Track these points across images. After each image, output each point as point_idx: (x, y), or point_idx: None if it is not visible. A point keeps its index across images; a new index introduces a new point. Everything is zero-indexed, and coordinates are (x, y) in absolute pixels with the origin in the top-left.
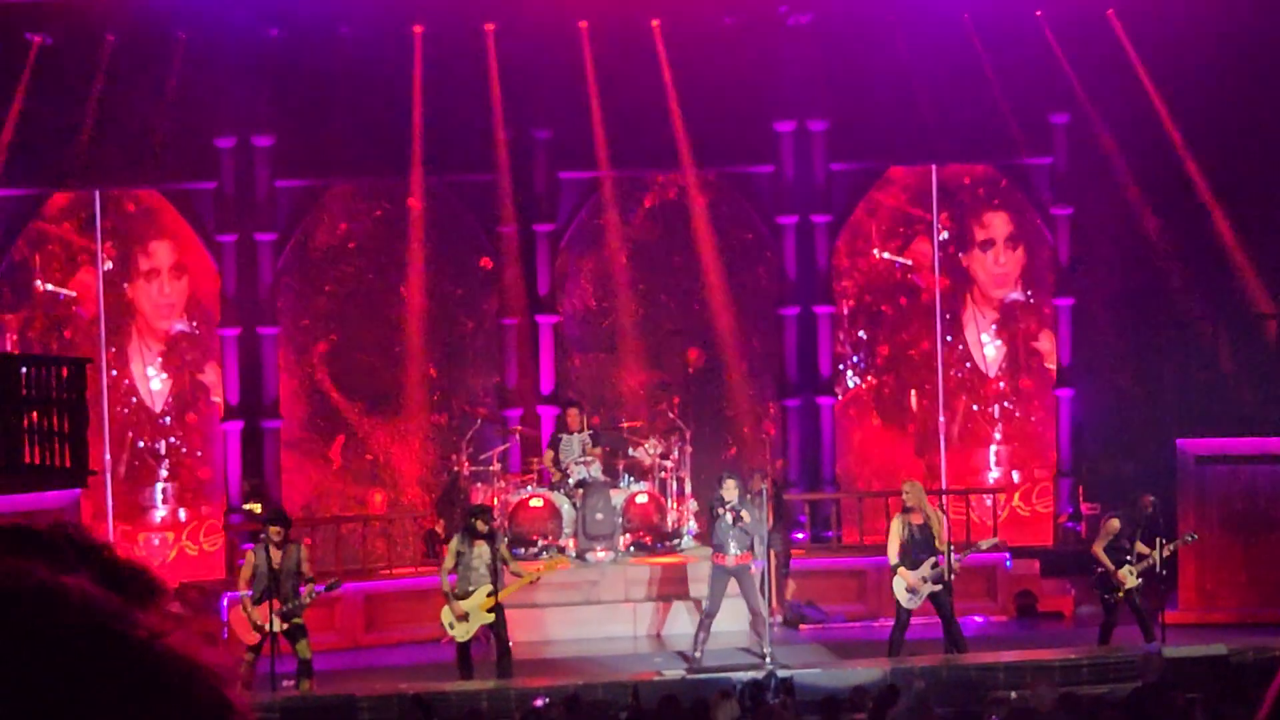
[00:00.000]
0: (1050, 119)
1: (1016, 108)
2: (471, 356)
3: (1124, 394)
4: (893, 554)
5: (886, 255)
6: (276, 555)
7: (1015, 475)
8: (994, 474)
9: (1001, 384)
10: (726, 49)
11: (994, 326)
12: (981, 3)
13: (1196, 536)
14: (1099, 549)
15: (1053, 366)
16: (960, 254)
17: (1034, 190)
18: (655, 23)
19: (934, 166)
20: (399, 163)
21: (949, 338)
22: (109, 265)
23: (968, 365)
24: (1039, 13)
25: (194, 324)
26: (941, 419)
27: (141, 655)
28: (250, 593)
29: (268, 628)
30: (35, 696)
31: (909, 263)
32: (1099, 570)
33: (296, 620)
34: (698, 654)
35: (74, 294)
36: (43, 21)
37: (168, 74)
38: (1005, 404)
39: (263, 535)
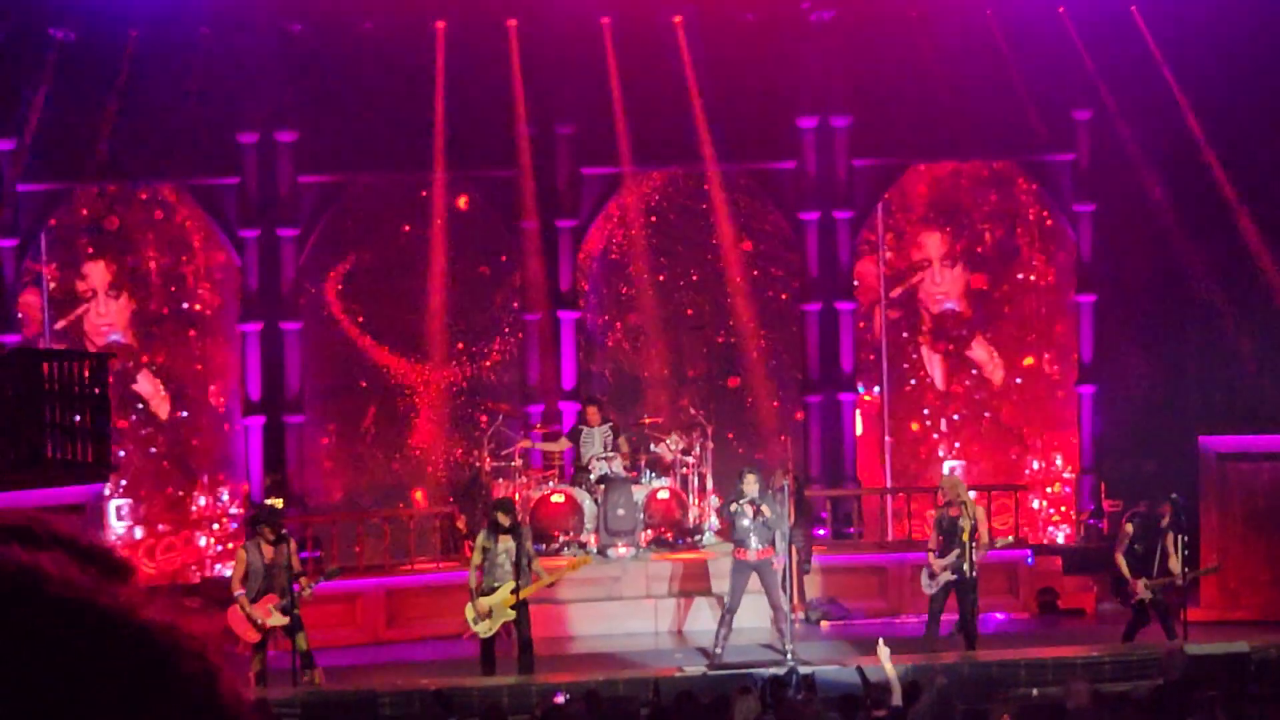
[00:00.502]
0: (1073, 115)
1: (1039, 104)
2: (493, 352)
3: (1146, 391)
4: (931, 543)
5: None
6: (269, 552)
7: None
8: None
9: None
10: (749, 45)
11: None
12: None
13: (1220, 567)
14: (1119, 555)
15: (990, 376)
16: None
17: (1056, 187)
18: (678, 19)
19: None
20: (421, 158)
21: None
22: (52, 285)
23: (928, 380)
24: (1061, 9)
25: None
26: (888, 439)
27: (125, 624)
28: (243, 591)
29: (267, 624)
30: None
31: (855, 283)
32: (1116, 575)
33: (295, 614)
34: (718, 650)
35: (20, 315)
36: (66, 17)
37: (191, 69)
38: (954, 417)
39: (255, 533)
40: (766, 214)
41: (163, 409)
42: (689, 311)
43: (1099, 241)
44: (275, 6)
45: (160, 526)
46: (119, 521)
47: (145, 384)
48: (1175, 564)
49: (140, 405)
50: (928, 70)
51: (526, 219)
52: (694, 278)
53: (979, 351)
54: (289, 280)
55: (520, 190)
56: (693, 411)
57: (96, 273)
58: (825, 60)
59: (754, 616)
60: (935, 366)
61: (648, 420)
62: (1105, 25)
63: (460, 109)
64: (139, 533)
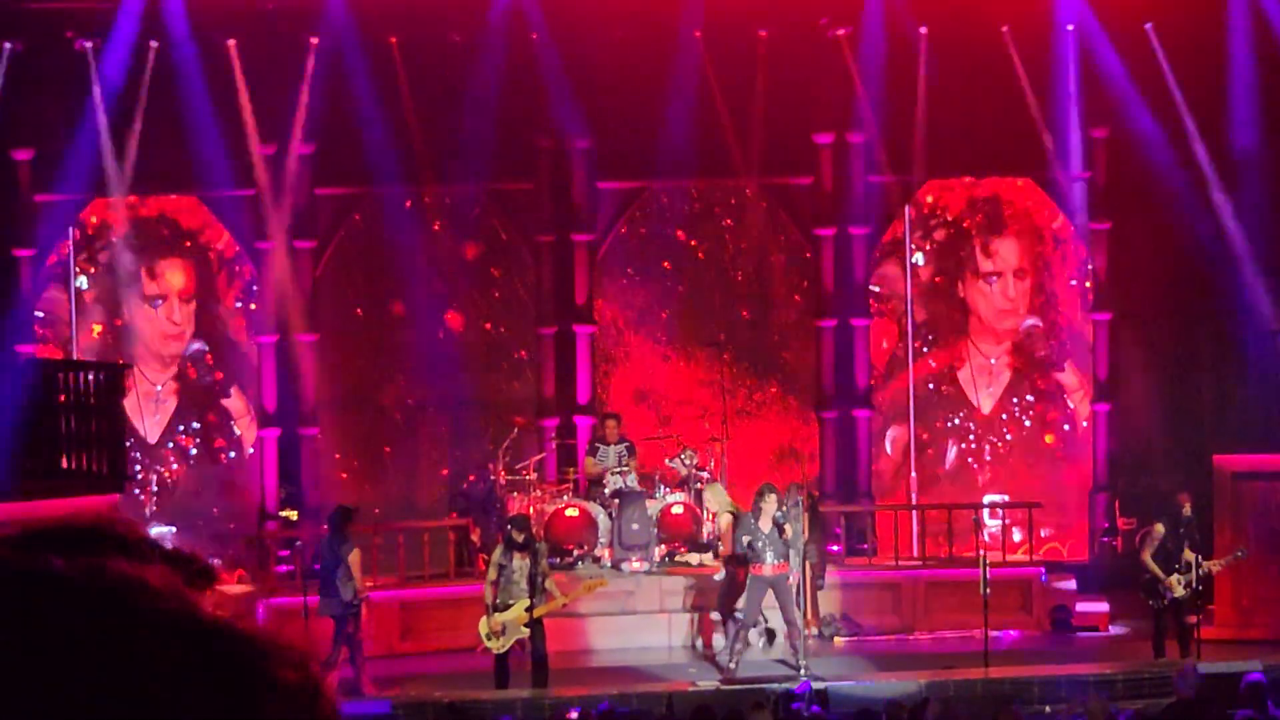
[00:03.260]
0: (1091, 133)
1: (1055, 122)
2: (508, 365)
3: (1161, 409)
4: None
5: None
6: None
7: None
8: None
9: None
10: (766, 61)
11: (994, 361)
12: (1021, 16)
13: (1247, 552)
14: (1147, 556)
15: (1075, 405)
16: (959, 283)
17: (1072, 205)
18: (697, 33)
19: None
20: (438, 171)
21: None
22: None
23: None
24: (1070, 26)
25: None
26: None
27: (228, 637)
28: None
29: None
30: (136, 685)
31: (876, 289)
32: (1146, 577)
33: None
34: (733, 665)
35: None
36: (87, 27)
37: (210, 81)
38: (998, 444)
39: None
40: (783, 229)
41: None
42: (704, 329)
43: (1114, 260)
44: (295, 19)
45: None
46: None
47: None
48: (1207, 562)
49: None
50: (943, 87)
51: (543, 233)
52: (711, 292)
53: (1069, 377)
54: (305, 292)
55: (537, 204)
56: (707, 426)
57: (172, 273)
58: (842, 76)
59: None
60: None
61: (663, 435)
62: (1123, 44)
63: (478, 122)
64: None
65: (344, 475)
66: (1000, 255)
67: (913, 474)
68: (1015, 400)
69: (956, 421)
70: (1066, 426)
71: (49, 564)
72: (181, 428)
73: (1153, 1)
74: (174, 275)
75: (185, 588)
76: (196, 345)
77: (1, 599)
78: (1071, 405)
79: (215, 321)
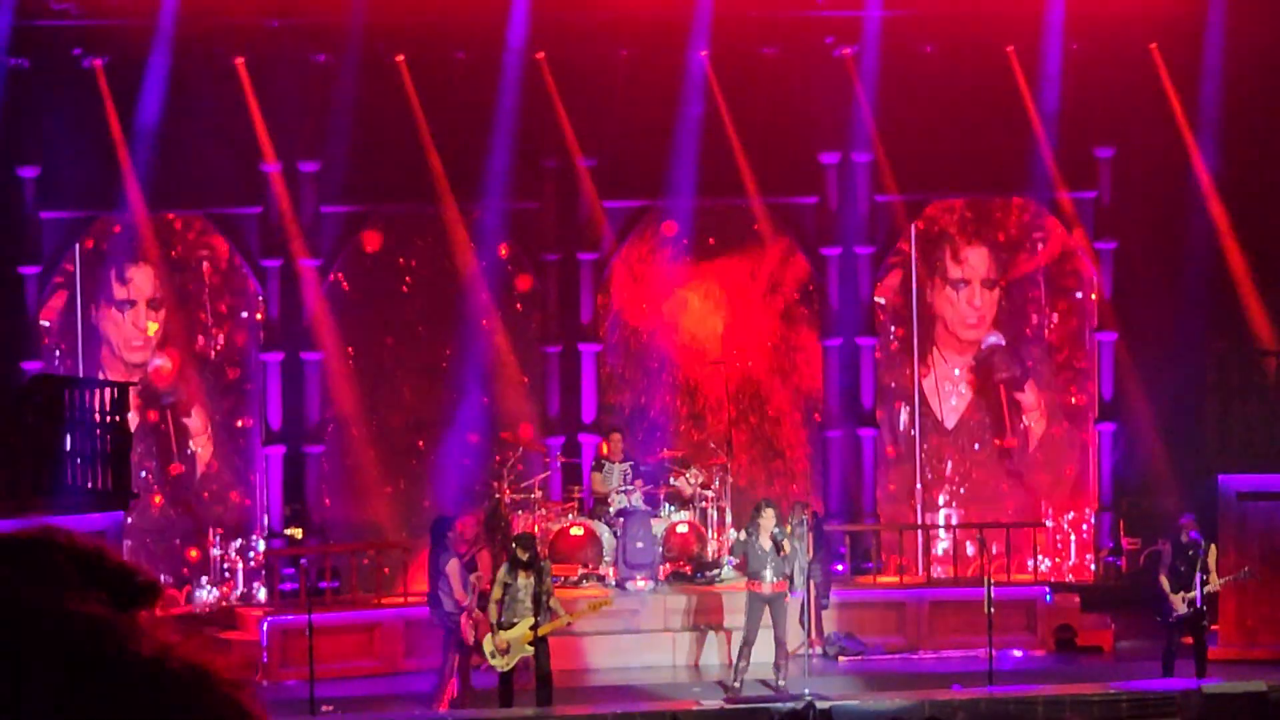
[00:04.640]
0: (1095, 153)
1: (1060, 141)
2: (513, 384)
3: (1165, 429)
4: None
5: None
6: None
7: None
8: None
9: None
10: (771, 80)
11: (957, 372)
12: (1025, 36)
13: (1252, 572)
14: (1162, 577)
15: (1030, 424)
16: (928, 290)
17: (1077, 224)
18: (704, 53)
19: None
20: (444, 189)
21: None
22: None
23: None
24: (1075, 46)
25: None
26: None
27: (156, 669)
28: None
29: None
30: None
31: (881, 301)
32: (1153, 593)
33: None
34: (737, 684)
35: (46, 323)
36: (94, 43)
37: (217, 98)
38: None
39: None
40: (788, 249)
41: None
42: (707, 347)
43: (1119, 279)
44: (301, 37)
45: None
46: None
47: (197, 419)
48: (1212, 578)
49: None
50: (949, 106)
51: (548, 251)
52: (713, 310)
53: (1028, 396)
54: (310, 310)
55: (543, 222)
56: (712, 445)
57: (143, 280)
58: (847, 96)
59: (770, 651)
60: (955, 404)
61: (667, 453)
62: (1128, 63)
63: (483, 140)
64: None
65: (349, 493)
66: (969, 263)
67: (918, 487)
68: (974, 419)
69: (914, 432)
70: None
71: None
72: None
73: (1157, 22)
74: (144, 281)
75: (120, 613)
76: (159, 361)
77: None
78: (1027, 423)
79: (189, 335)
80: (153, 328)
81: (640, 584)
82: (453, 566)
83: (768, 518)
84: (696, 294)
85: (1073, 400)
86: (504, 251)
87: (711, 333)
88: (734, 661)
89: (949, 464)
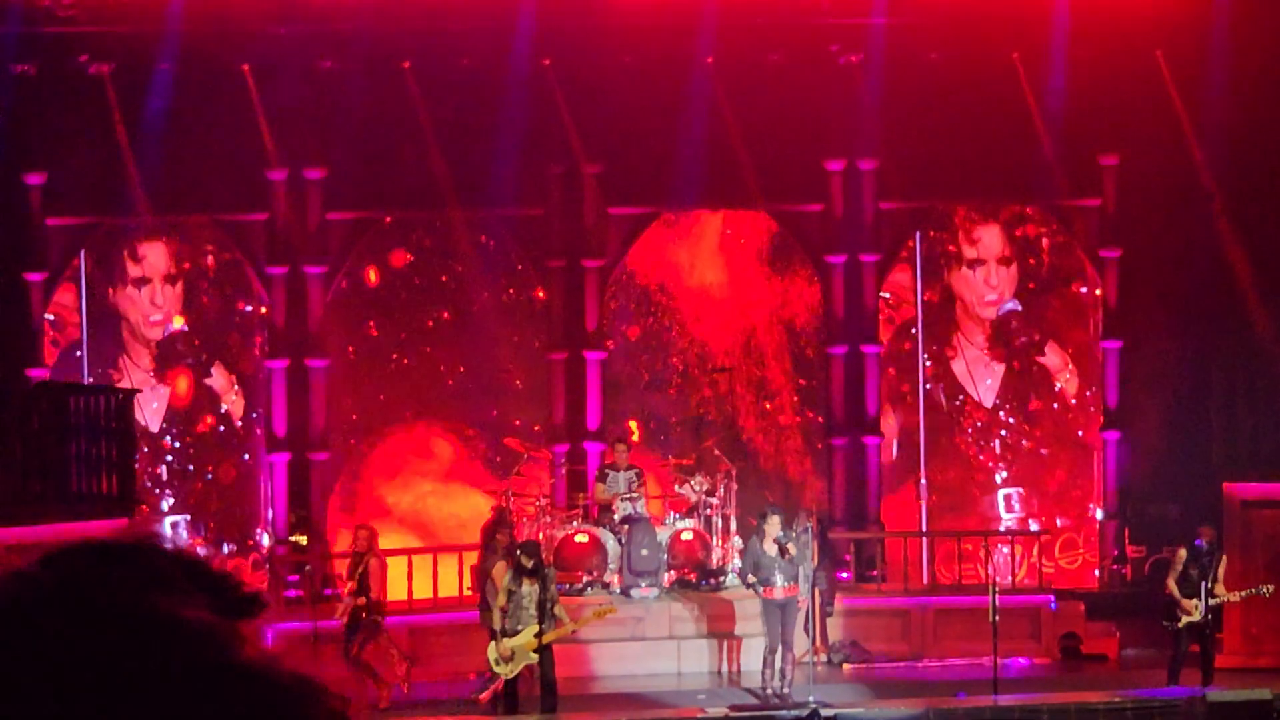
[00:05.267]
0: (1100, 160)
1: (1065, 149)
2: (518, 391)
3: (1171, 437)
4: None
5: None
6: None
7: (1033, 524)
8: (1005, 522)
9: (1004, 414)
10: (776, 87)
11: (984, 350)
12: (1030, 43)
13: (1272, 589)
14: (1171, 582)
15: (1062, 385)
16: (945, 271)
17: (1083, 232)
18: (709, 60)
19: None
20: (450, 196)
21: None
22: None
23: (959, 400)
24: (1080, 53)
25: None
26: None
27: (263, 679)
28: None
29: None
30: None
31: (887, 295)
32: (1163, 600)
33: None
34: (767, 690)
35: (51, 317)
36: (101, 51)
37: (223, 105)
38: (1005, 435)
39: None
40: (793, 255)
41: (238, 408)
42: (713, 355)
43: (1125, 287)
44: (307, 44)
45: (226, 547)
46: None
47: (219, 378)
48: (1221, 588)
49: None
50: (955, 114)
51: (553, 258)
52: (719, 318)
53: (1052, 358)
54: (315, 317)
55: (548, 229)
56: (716, 453)
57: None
58: (852, 103)
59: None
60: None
61: (672, 461)
62: (1133, 70)
63: (489, 147)
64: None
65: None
66: (983, 243)
67: (922, 500)
68: (1011, 390)
69: (959, 407)
70: (1056, 406)
71: (83, 594)
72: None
73: (1162, 29)
74: (157, 258)
75: (225, 620)
76: (178, 327)
77: (34, 628)
78: (1059, 386)
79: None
80: (178, 321)
81: (645, 591)
82: (498, 569)
83: (772, 524)
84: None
85: None
86: (509, 258)
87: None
88: (759, 669)
89: (996, 442)
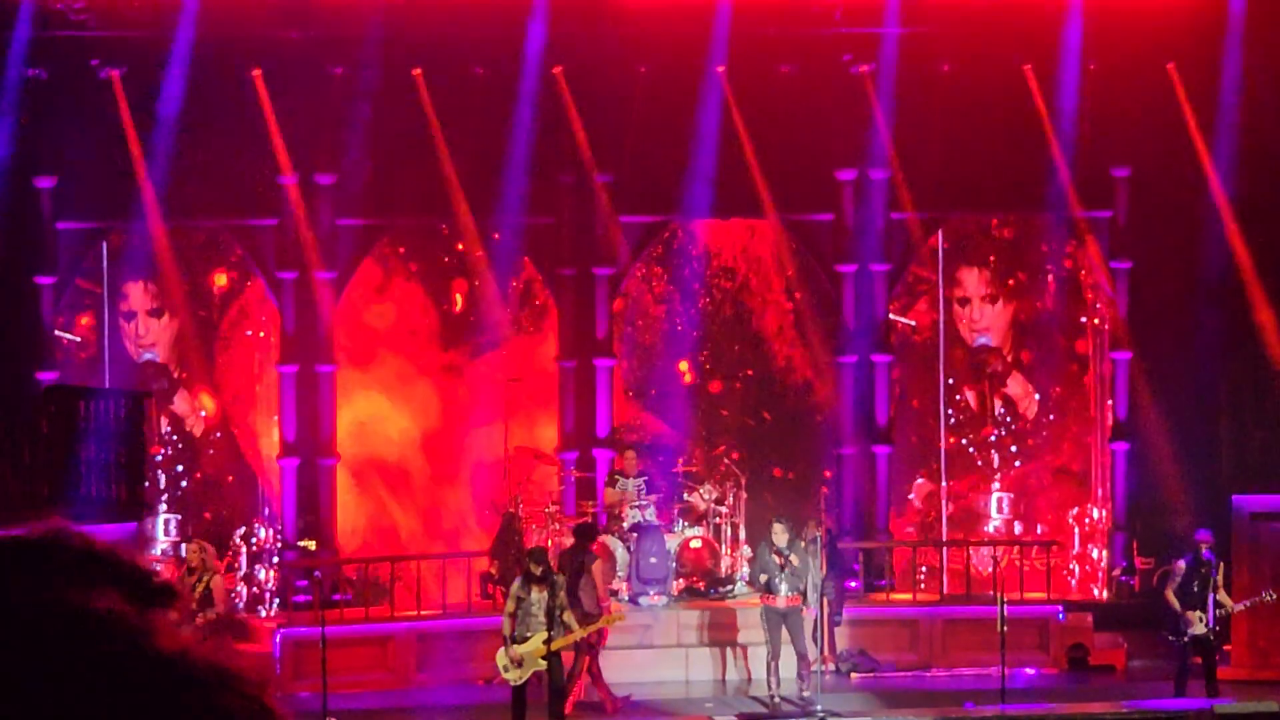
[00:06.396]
0: (1112, 172)
1: (1077, 160)
2: (528, 399)
3: (1179, 449)
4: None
5: (891, 316)
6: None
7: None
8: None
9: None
10: (788, 97)
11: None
12: (1042, 55)
13: (1275, 596)
14: (1169, 592)
15: (1025, 412)
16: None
17: (1094, 243)
18: (721, 69)
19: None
20: (460, 203)
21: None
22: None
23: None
24: (1092, 66)
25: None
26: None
27: (177, 668)
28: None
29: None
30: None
31: (913, 324)
32: (1167, 613)
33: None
34: (775, 698)
35: (78, 339)
36: (111, 54)
37: (234, 110)
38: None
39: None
40: (803, 265)
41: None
42: (724, 364)
43: (1135, 299)
44: (318, 50)
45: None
46: (165, 537)
47: (181, 403)
48: (1224, 596)
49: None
50: (966, 124)
51: (564, 266)
52: (733, 327)
53: (1014, 387)
54: (325, 322)
55: (559, 237)
56: (726, 462)
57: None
58: (864, 113)
59: (784, 666)
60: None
61: (681, 469)
62: (1146, 82)
63: (500, 155)
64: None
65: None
66: (967, 283)
67: (944, 509)
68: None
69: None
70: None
71: None
72: None
73: (1175, 42)
74: (137, 295)
75: (137, 610)
76: (149, 355)
77: None
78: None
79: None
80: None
81: (653, 599)
82: (598, 566)
83: (778, 532)
84: None
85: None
86: (520, 266)
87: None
88: (766, 678)
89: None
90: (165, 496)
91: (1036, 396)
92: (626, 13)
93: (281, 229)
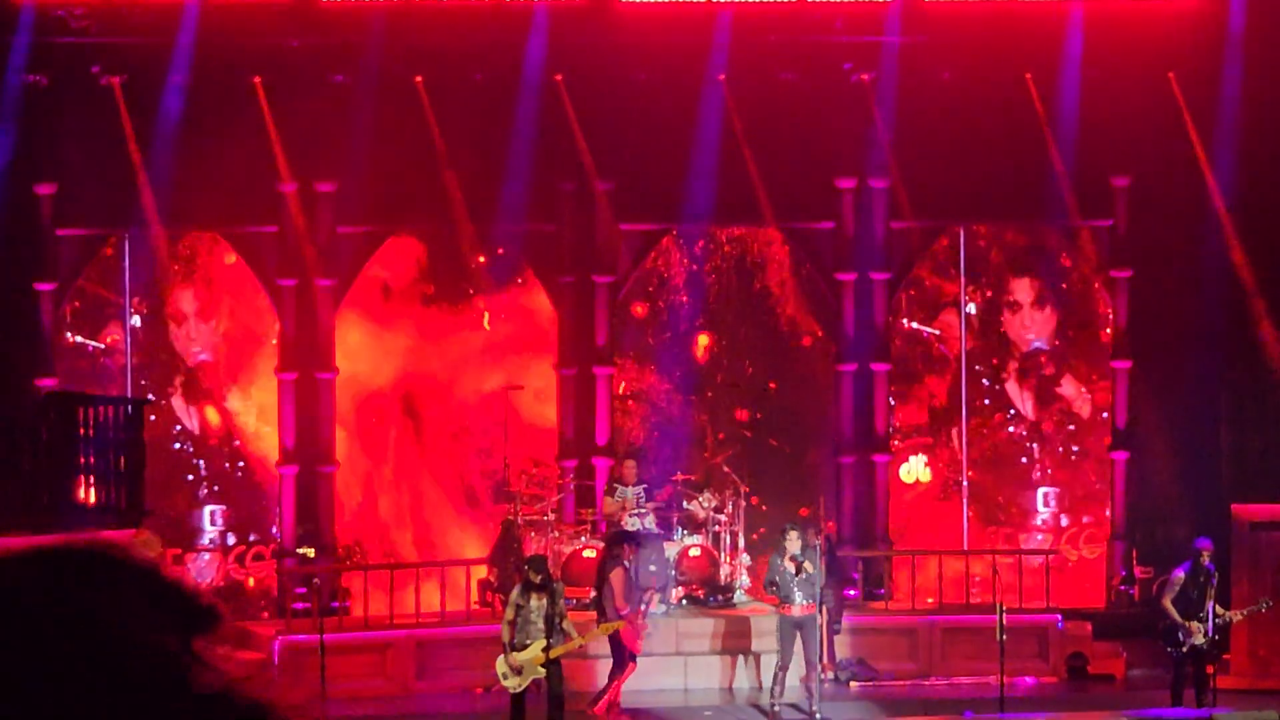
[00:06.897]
0: (1111, 181)
1: (1077, 169)
2: (529, 407)
3: (1179, 458)
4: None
5: (915, 325)
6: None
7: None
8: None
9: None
10: (788, 105)
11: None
12: (1043, 63)
13: (1271, 603)
14: (1167, 602)
15: (1079, 411)
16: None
17: (1093, 253)
18: (721, 77)
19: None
20: (461, 211)
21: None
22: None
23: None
24: (1093, 74)
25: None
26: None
27: (215, 707)
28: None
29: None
30: None
31: (937, 332)
32: (1165, 624)
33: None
34: (775, 707)
35: (103, 345)
36: (112, 61)
37: (235, 117)
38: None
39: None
40: (803, 273)
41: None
42: (723, 372)
43: (1135, 307)
44: (319, 57)
45: (252, 535)
46: (211, 526)
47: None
48: (1220, 607)
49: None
50: (966, 133)
51: (564, 274)
52: (732, 335)
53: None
54: (325, 330)
55: (559, 245)
56: (726, 470)
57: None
58: (865, 121)
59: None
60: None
61: (681, 477)
62: (1146, 91)
63: (500, 162)
64: (231, 538)
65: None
66: (1017, 290)
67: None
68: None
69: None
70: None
71: (33, 602)
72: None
73: (1175, 51)
74: (187, 300)
75: (183, 640)
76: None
77: None
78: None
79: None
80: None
81: (652, 607)
82: (617, 575)
83: (792, 540)
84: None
85: None
86: (520, 274)
87: None
88: (769, 686)
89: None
90: (215, 488)
91: (1088, 395)
92: (627, 21)
93: (282, 236)
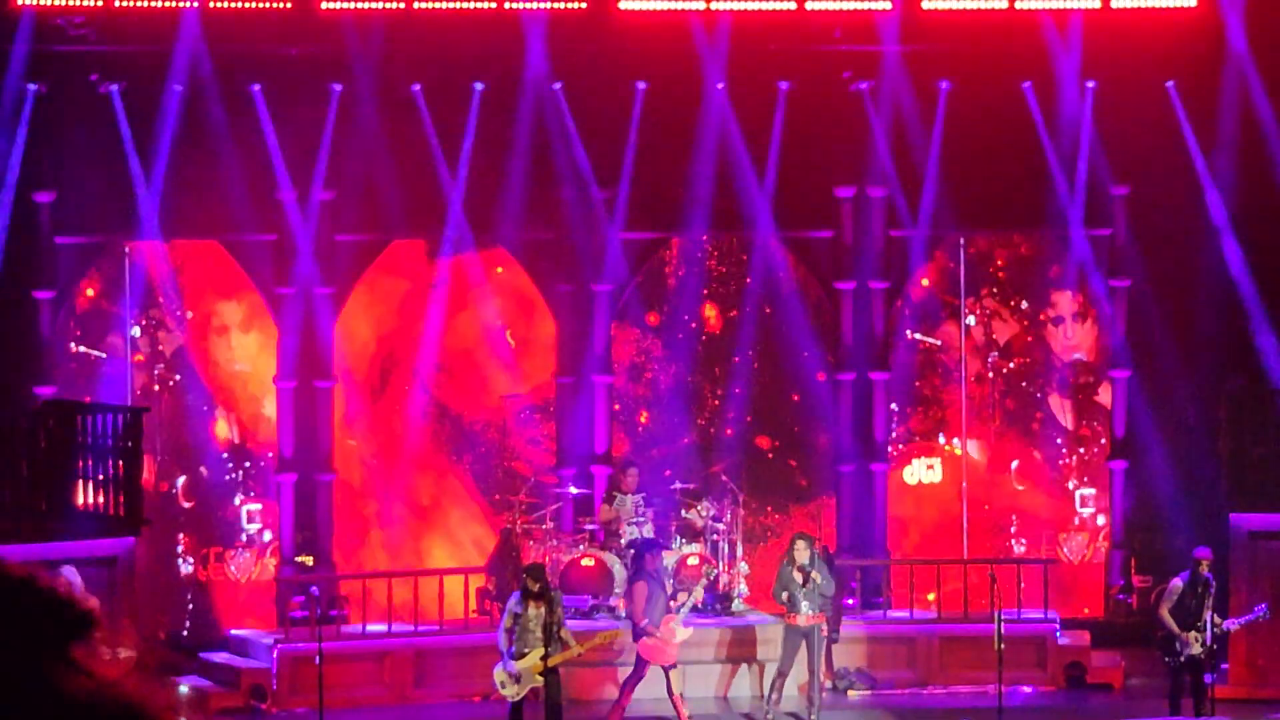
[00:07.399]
0: (1110, 191)
1: (1076, 178)
2: (528, 414)
3: (1178, 467)
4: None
5: (917, 336)
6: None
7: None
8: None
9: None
10: (788, 114)
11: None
12: (1042, 72)
13: (1269, 614)
14: (1164, 611)
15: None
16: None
17: (1092, 262)
18: (721, 85)
19: (962, 249)
20: (459, 219)
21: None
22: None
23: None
24: (1091, 84)
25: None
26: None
27: (83, 715)
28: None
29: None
30: None
31: (939, 343)
32: (1162, 633)
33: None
34: (770, 716)
35: (104, 355)
36: (111, 69)
37: (233, 125)
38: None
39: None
40: (802, 282)
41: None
42: (721, 379)
43: (1133, 316)
44: (316, 65)
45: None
46: (249, 524)
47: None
48: (1218, 617)
49: None
50: (965, 142)
51: (563, 282)
52: (730, 342)
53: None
54: (324, 338)
55: (558, 253)
56: (723, 479)
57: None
58: (863, 130)
59: (789, 683)
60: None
61: (679, 486)
62: (1146, 100)
63: (498, 171)
64: (268, 535)
65: (361, 520)
66: (1060, 304)
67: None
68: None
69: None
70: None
71: None
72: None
73: (1174, 60)
74: (230, 311)
75: (54, 646)
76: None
77: None
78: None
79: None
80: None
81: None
82: (639, 587)
83: (800, 550)
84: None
85: None
86: (520, 281)
87: None
88: (765, 693)
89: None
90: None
91: None
92: (626, 29)
93: (280, 244)
